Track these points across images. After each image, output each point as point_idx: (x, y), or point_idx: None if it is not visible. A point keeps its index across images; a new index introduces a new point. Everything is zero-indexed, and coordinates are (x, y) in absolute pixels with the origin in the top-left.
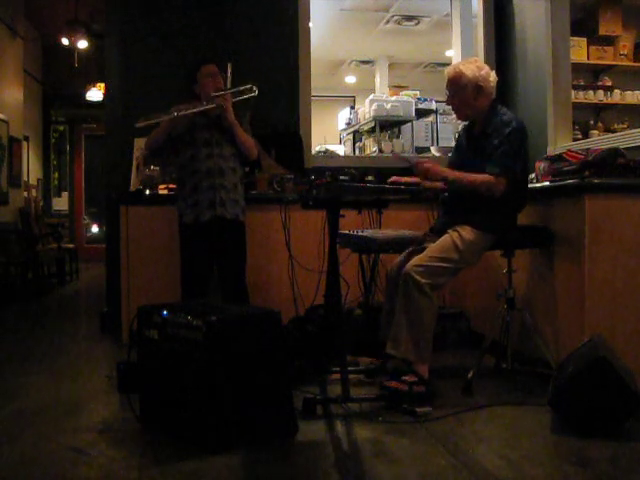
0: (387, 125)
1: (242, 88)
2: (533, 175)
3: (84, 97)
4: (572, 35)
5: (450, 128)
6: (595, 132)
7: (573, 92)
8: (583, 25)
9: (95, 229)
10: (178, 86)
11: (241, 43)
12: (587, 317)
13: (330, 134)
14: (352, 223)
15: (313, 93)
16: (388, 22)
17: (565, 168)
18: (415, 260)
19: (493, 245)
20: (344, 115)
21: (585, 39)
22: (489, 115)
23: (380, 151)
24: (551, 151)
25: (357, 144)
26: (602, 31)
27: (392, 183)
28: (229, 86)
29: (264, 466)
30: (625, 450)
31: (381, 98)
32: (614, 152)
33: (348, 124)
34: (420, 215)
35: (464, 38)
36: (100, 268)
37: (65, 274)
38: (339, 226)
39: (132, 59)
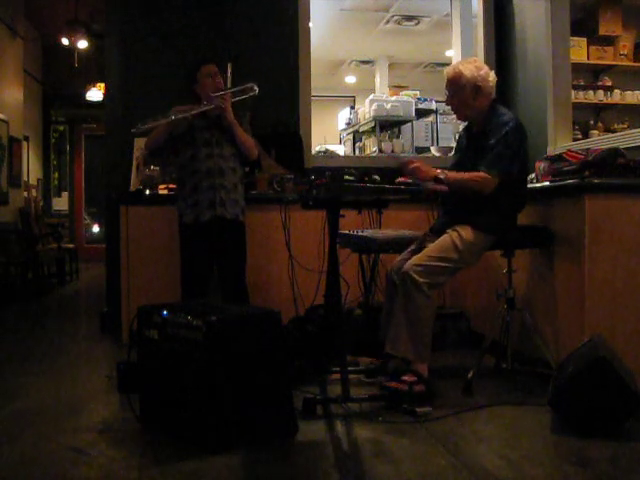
0: (387, 125)
1: (243, 87)
2: (533, 175)
3: (84, 97)
4: (572, 35)
5: (450, 128)
6: (595, 132)
7: (573, 92)
8: (583, 25)
9: (96, 229)
10: (178, 86)
11: (241, 43)
12: (587, 317)
13: (330, 134)
14: (352, 223)
15: (313, 93)
16: (388, 22)
17: (565, 168)
18: (414, 260)
19: (493, 245)
20: (344, 115)
21: (585, 39)
22: (488, 115)
23: (380, 151)
24: (551, 151)
25: (357, 144)
26: (602, 31)
27: (400, 184)
28: (229, 86)
29: (264, 466)
30: (625, 450)
31: (381, 98)
32: (614, 152)
33: (348, 124)
34: (420, 215)
35: (464, 38)
36: (100, 268)
37: (65, 274)
38: (339, 226)
39: (132, 59)
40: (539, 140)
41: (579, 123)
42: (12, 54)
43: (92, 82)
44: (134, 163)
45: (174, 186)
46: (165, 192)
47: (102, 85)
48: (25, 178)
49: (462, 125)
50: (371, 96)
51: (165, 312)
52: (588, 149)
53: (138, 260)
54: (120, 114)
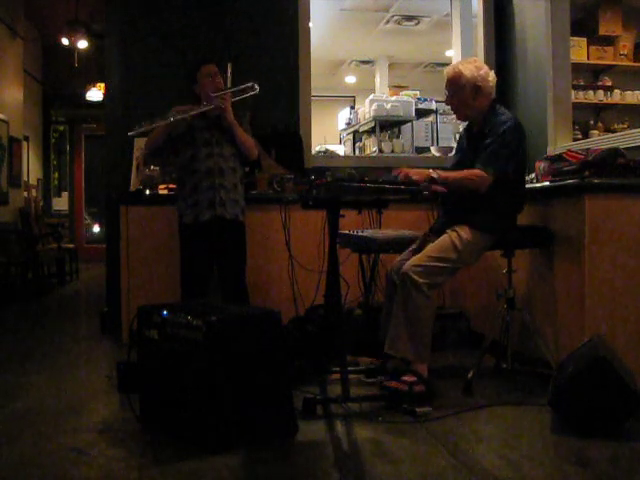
0: (387, 125)
1: (243, 86)
2: (533, 175)
3: (84, 97)
4: (572, 35)
5: (450, 128)
6: (595, 132)
7: (573, 92)
8: (583, 25)
9: (97, 229)
10: (178, 86)
11: (241, 43)
12: (587, 317)
13: (330, 134)
14: (352, 223)
15: (313, 93)
16: (388, 22)
17: (565, 168)
18: (413, 260)
19: (493, 245)
20: (344, 115)
21: (585, 39)
22: (488, 115)
23: (380, 151)
24: (551, 151)
25: (357, 144)
26: (602, 31)
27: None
28: (229, 86)
29: (264, 466)
30: (625, 450)
31: (381, 98)
32: (614, 152)
33: (348, 124)
34: (420, 215)
35: (464, 38)
36: (100, 268)
37: (65, 274)
38: (339, 226)
39: (132, 59)
40: (539, 140)
41: (579, 123)
42: (12, 54)
43: (92, 82)
44: (134, 163)
45: (174, 186)
46: (165, 192)
47: (102, 85)
48: (25, 178)
49: (462, 125)
50: (371, 96)
51: (165, 312)
52: (588, 149)
53: (138, 260)
54: (120, 114)
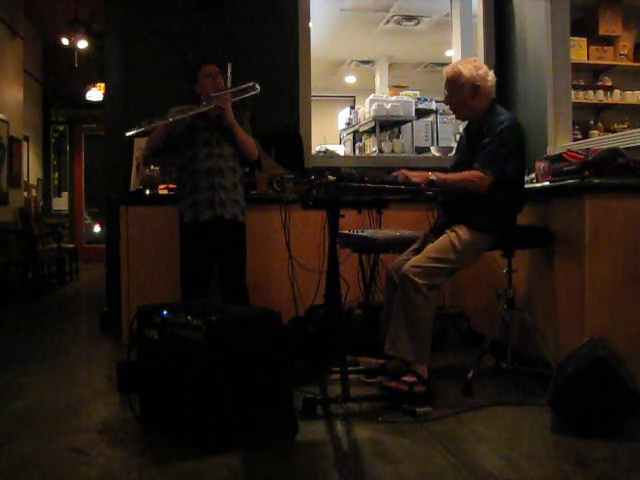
0: (387, 125)
1: (244, 86)
2: (533, 175)
3: (84, 97)
4: (572, 35)
5: (450, 128)
6: (595, 132)
7: (573, 92)
8: (583, 25)
9: (97, 229)
10: (178, 86)
11: (241, 43)
12: (587, 317)
13: (330, 134)
14: (352, 223)
15: (313, 93)
16: (388, 22)
17: (565, 168)
18: (413, 261)
19: (493, 245)
20: (344, 115)
21: (585, 39)
22: (486, 115)
23: (380, 151)
24: (551, 151)
25: (357, 144)
26: (602, 31)
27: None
28: (229, 86)
29: (264, 466)
30: (625, 450)
31: (381, 98)
32: (614, 152)
33: (348, 124)
34: (420, 215)
35: (464, 38)
36: (100, 268)
37: (65, 274)
38: (339, 226)
39: (132, 59)
40: (539, 140)
41: (579, 123)
42: (12, 54)
43: (92, 82)
44: (134, 163)
45: (174, 186)
46: (165, 192)
47: (102, 85)
48: (25, 178)
49: (462, 125)
50: (371, 96)
51: (165, 312)
52: (588, 149)
53: (138, 260)
54: (120, 114)
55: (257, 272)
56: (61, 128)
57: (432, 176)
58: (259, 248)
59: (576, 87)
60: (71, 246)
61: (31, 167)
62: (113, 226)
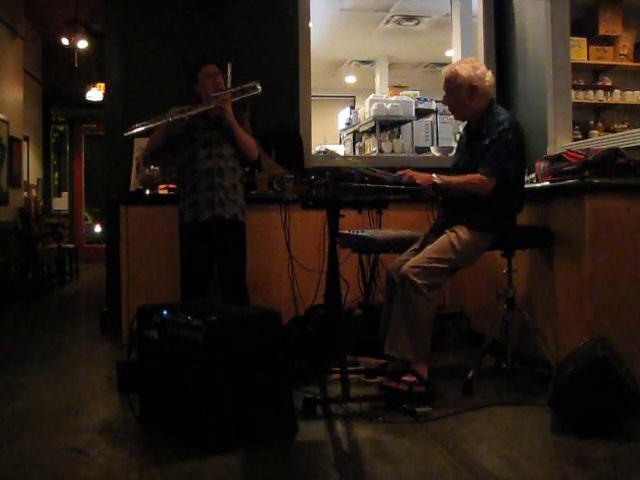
0: (387, 125)
1: (245, 86)
2: (533, 175)
3: (84, 97)
4: (572, 35)
5: (450, 128)
6: (595, 132)
7: (573, 92)
8: (583, 25)
9: (98, 229)
10: (178, 86)
11: (241, 43)
12: (587, 317)
13: (330, 134)
14: (352, 223)
15: (313, 93)
16: (388, 22)
17: (565, 168)
18: (412, 261)
19: (493, 245)
20: (344, 115)
21: (585, 39)
22: (485, 115)
23: (380, 151)
24: (551, 151)
25: (357, 144)
26: (602, 31)
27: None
28: (229, 86)
29: (264, 466)
30: (625, 450)
31: (381, 98)
32: (614, 152)
33: (348, 124)
34: (420, 215)
35: (464, 38)
36: (100, 268)
37: (65, 274)
38: (339, 226)
39: (132, 59)
40: (539, 140)
41: (579, 123)
42: (12, 54)
43: (92, 82)
44: (134, 163)
45: (174, 186)
46: (165, 192)
47: (102, 85)
48: (25, 178)
49: (462, 125)
50: (371, 96)
51: (165, 312)
52: (588, 149)
53: (138, 260)
54: (120, 114)
55: (257, 272)
56: (61, 128)
57: (436, 179)
58: (259, 248)
59: (576, 87)
60: (71, 246)
61: (31, 167)
62: (113, 226)
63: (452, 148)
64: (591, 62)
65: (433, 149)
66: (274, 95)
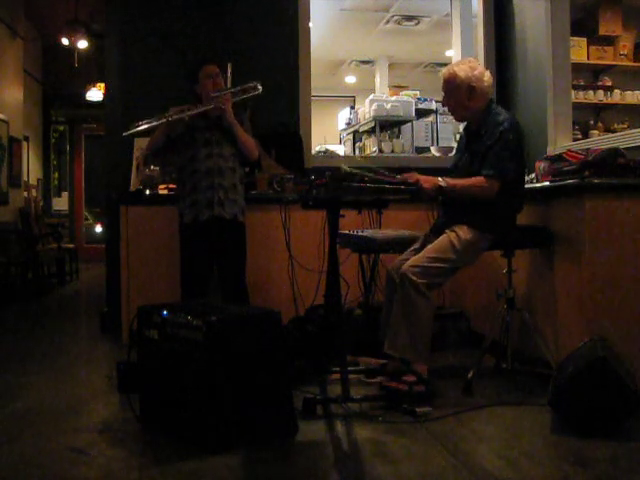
0: (387, 125)
1: (246, 86)
2: (533, 175)
3: (84, 97)
4: (572, 35)
5: (450, 128)
6: (595, 132)
7: (573, 92)
8: (583, 25)
9: (99, 229)
10: (178, 86)
11: (241, 43)
12: (587, 317)
13: (330, 134)
14: (352, 223)
15: (313, 93)
16: (388, 22)
17: (565, 168)
18: (412, 260)
19: (493, 245)
20: (344, 115)
21: (585, 39)
22: (484, 115)
23: (380, 151)
24: (551, 151)
25: (357, 144)
26: (602, 31)
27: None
28: (229, 86)
29: (264, 466)
30: (625, 450)
31: (381, 98)
32: (614, 152)
33: (348, 124)
34: (420, 215)
35: (464, 38)
36: (100, 268)
37: (65, 274)
38: (339, 226)
39: (132, 59)
40: (539, 140)
41: (579, 123)
42: (12, 54)
43: (92, 82)
44: (134, 163)
45: (174, 186)
46: (165, 192)
47: (102, 85)
48: (25, 178)
49: (462, 125)
50: (371, 96)
51: (165, 312)
52: (588, 149)
53: (138, 260)
54: (120, 114)
55: (257, 272)
56: (61, 128)
57: (441, 182)
58: (259, 248)
59: (576, 87)
60: (71, 246)
61: (31, 167)
62: (113, 226)
63: (452, 148)
64: (591, 62)
65: (433, 149)
66: (274, 95)
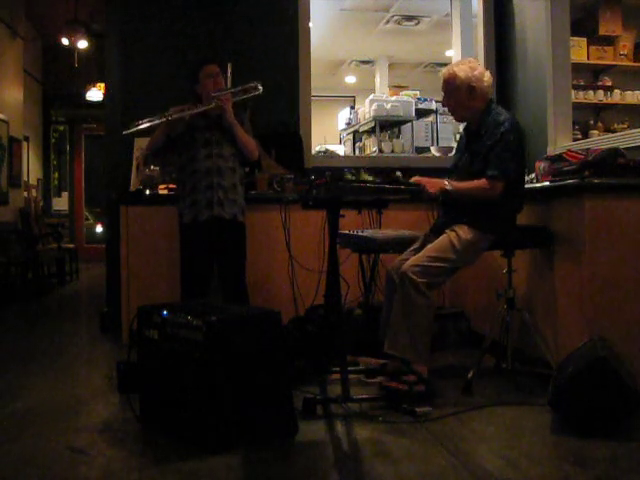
0: (387, 125)
1: (247, 86)
2: (533, 175)
3: (84, 97)
4: (572, 35)
5: (450, 128)
6: (595, 132)
7: (573, 92)
8: (583, 25)
9: (100, 229)
10: (178, 86)
11: (241, 43)
12: (587, 317)
13: (330, 134)
14: (352, 223)
15: (313, 93)
16: (388, 22)
17: (565, 168)
18: (412, 260)
19: (493, 245)
20: (344, 115)
21: (585, 39)
22: (484, 115)
23: (380, 151)
24: (551, 151)
25: (357, 144)
26: (602, 31)
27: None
28: (229, 86)
29: (264, 466)
30: (625, 450)
31: (381, 98)
32: (614, 152)
33: (348, 124)
34: (420, 215)
35: (464, 38)
36: (100, 268)
37: (65, 274)
38: (339, 226)
39: (132, 59)
40: (539, 140)
41: (579, 123)
42: (12, 54)
43: (92, 82)
44: (134, 163)
45: (174, 186)
46: (165, 192)
47: (102, 85)
48: (25, 178)
49: (462, 125)
50: (371, 96)
51: (165, 312)
52: (588, 149)
53: (138, 260)
54: (120, 114)
55: (257, 272)
56: (61, 128)
57: (447, 186)
58: (259, 248)
59: (576, 87)
60: (71, 246)
61: (31, 167)
62: (113, 226)
63: (452, 148)
64: (591, 62)
65: (433, 149)
66: (274, 95)
